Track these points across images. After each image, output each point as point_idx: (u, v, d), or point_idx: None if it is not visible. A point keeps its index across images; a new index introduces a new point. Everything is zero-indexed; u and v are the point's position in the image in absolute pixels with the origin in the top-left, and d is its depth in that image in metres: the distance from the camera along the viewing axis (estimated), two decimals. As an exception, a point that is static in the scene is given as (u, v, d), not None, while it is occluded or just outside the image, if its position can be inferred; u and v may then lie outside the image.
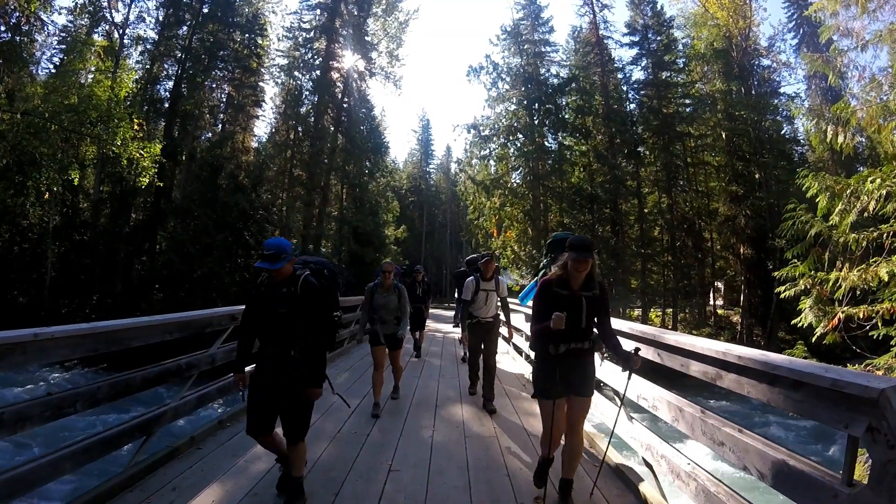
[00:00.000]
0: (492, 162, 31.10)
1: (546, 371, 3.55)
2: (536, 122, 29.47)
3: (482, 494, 3.88)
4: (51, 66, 27.74)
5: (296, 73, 32.23)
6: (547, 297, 3.46)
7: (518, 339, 10.47)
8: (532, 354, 4.65)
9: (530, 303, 4.30)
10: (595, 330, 3.63)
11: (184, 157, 28.20)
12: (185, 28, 29.28)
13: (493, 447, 4.99)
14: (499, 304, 6.89)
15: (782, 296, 8.35)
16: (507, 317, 7.12)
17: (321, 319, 3.49)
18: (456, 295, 10.79)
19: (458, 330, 10.15)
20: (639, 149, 31.53)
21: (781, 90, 31.88)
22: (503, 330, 7.46)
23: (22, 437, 9.00)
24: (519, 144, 29.61)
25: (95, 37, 26.32)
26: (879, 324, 6.91)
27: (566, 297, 3.42)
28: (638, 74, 33.30)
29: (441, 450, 4.86)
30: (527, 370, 9.10)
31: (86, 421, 10.38)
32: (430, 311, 13.10)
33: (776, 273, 8.82)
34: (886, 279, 6.73)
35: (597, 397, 5.55)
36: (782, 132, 30.87)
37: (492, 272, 6.75)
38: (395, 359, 6.66)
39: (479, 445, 5.04)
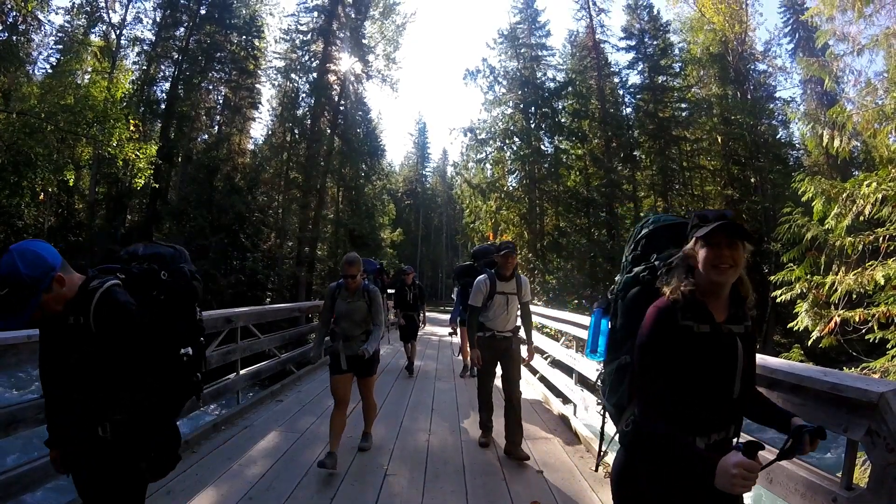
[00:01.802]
0: (488, 165, 31.09)
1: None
2: (533, 125, 29.48)
3: (478, 499, 3.86)
4: (47, 66, 27.59)
5: (293, 76, 32.17)
6: (673, 343, 1.65)
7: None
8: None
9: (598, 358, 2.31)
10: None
11: (180, 159, 28.14)
12: (182, 29, 29.25)
13: (490, 451, 4.97)
14: (518, 312, 5.07)
15: (778, 299, 8.36)
16: (529, 332, 5.22)
17: (138, 367, 1.94)
18: (455, 297, 9.91)
19: (457, 336, 9.59)
20: (635, 153, 31.59)
21: (777, 94, 32.03)
22: (523, 350, 5.34)
23: (14, 439, 8.94)
24: (515, 148, 29.59)
25: (92, 37, 26.26)
26: (875, 327, 6.92)
27: (710, 339, 1.68)
28: (634, 78, 33.41)
29: (437, 454, 4.85)
30: (541, 393, 8.39)
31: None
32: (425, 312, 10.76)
33: (772, 277, 8.82)
34: (882, 283, 6.74)
35: (592, 400, 5.55)
36: (778, 136, 30.96)
37: (513, 269, 4.89)
38: (367, 391, 4.67)
39: (476, 449, 5.03)
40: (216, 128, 32.16)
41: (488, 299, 4.85)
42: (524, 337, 5.27)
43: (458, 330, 9.11)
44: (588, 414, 5.69)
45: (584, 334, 5.97)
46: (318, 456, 4.40)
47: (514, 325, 5.01)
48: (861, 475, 3.36)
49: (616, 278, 2.21)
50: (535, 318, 11.25)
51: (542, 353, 8.97)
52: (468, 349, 8.62)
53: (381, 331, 4.54)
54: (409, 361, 9.39)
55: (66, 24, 28.35)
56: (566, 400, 6.72)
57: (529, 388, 8.26)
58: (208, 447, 4.70)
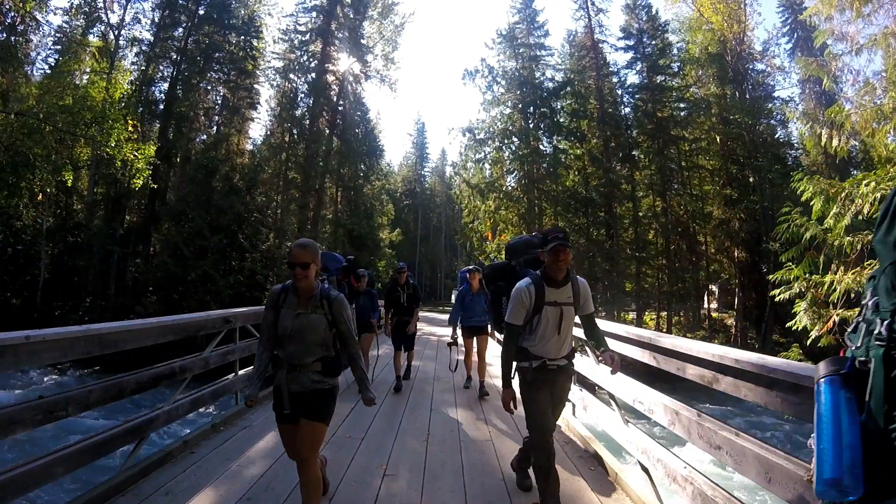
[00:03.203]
0: (487, 165, 31.16)
1: None
2: (531, 125, 29.54)
3: (477, 499, 3.86)
4: (46, 67, 27.65)
5: (291, 76, 32.23)
6: None
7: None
8: None
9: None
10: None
11: (178, 159, 28.14)
12: (180, 30, 29.24)
13: (489, 451, 4.97)
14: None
15: (777, 299, 8.38)
16: (603, 339, 3.54)
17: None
18: (455, 299, 8.88)
19: (457, 347, 8.00)
20: (633, 152, 31.64)
21: (776, 94, 32.11)
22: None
23: (13, 440, 8.95)
24: (514, 148, 29.66)
25: (91, 38, 26.31)
26: (874, 327, 6.91)
27: None
28: (633, 78, 33.51)
29: (436, 454, 4.84)
30: None
31: (78, 424, 10.30)
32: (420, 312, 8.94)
33: (771, 276, 8.84)
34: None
35: (591, 399, 5.56)
36: (776, 136, 31.04)
37: (566, 269, 3.36)
38: (307, 447, 3.05)
39: (475, 449, 5.02)
40: (215, 128, 32.16)
41: (533, 313, 3.32)
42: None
43: (460, 336, 7.91)
44: (587, 413, 5.68)
45: (583, 334, 5.91)
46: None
47: (569, 350, 3.49)
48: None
49: (857, 321, 1.53)
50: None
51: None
52: (472, 360, 8.17)
53: (361, 363, 3.11)
54: (400, 380, 7.91)
55: (65, 25, 28.41)
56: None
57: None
58: (207, 447, 4.69)
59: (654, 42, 32.31)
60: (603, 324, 4.87)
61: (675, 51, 32.80)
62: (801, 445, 12.87)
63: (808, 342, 7.91)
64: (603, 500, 3.88)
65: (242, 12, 31.91)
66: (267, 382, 3.19)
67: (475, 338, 7.99)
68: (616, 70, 33.98)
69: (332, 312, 3.05)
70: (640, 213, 31.19)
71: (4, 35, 17.71)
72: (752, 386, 2.54)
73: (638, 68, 32.78)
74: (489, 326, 7.74)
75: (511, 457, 4.84)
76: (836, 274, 7.44)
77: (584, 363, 5.73)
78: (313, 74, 31.27)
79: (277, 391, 3.09)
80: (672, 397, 3.58)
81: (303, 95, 32.32)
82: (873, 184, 7.04)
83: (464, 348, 8.23)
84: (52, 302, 23.91)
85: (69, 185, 20.19)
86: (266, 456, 4.55)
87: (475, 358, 8.06)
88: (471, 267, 8.19)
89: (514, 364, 3.46)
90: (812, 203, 7.73)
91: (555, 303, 3.35)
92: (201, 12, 29.45)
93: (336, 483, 3.99)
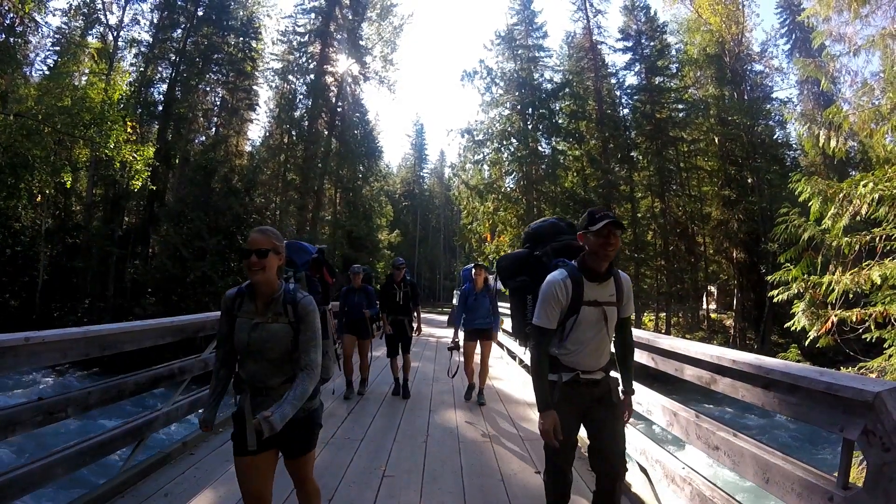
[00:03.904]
0: (485, 167, 31.15)
1: None
2: (530, 126, 29.55)
3: (476, 500, 3.86)
4: (45, 68, 27.73)
5: (290, 77, 32.27)
6: None
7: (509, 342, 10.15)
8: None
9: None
10: None
11: (177, 161, 28.14)
12: (179, 31, 29.27)
13: (487, 452, 4.97)
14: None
15: (775, 299, 8.37)
16: (631, 370, 2.97)
17: None
18: (456, 300, 8.57)
19: (459, 346, 7.27)
20: (632, 153, 31.67)
21: (774, 95, 32.16)
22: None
23: (13, 441, 8.95)
24: (512, 149, 29.67)
25: (90, 39, 26.34)
26: (872, 327, 6.94)
27: None
28: (631, 79, 33.56)
29: (435, 455, 4.84)
30: (521, 378, 8.44)
31: (78, 426, 10.30)
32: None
33: (769, 277, 8.84)
34: (879, 282, 6.76)
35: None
36: (775, 137, 31.08)
37: (609, 260, 2.66)
38: (302, 475, 2.92)
39: (474, 451, 5.02)
40: (213, 129, 32.19)
41: (569, 315, 2.67)
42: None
43: (461, 342, 7.27)
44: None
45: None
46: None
47: (608, 359, 2.85)
48: (857, 474, 3.38)
49: None
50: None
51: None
52: (473, 367, 7.21)
53: (313, 381, 2.38)
54: (399, 383, 7.48)
55: (64, 26, 28.46)
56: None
57: (526, 389, 8.25)
58: (206, 449, 4.68)
59: (652, 43, 32.36)
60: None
61: (673, 52, 32.86)
62: (799, 445, 12.90)
63: (807, 343, 7.90)
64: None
65: (241, 14, 31.95)
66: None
67: (478, 342, 7.17)
68: (615, 71, 34.07)
69: (298, 319, 2.37)
70: (639, 214, 31.19)
71: (3, 36, 17.71)
72: (749, 387, 2.55)
73: (636, 69, 32.86)
74: (494, 328, 7.31)
75: (510, 458, 4.85)
76: (834, 274, 7.45)
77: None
78: (312, 76, 31.30)
79: (238, 419, 2.41)
80: (670, 398, 3.59)
81: (301, 97, 32.38)
82: (871, 184, 7.04)
83: (465, 353, 7.30)
84: (50, 303, 23.91)
85: (68, 186, 20.22)
86: None
87: (477, 361, 7.30)
88: (474, 264, 7.39)
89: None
90: (810, 204, 7.73)
91: (595, 302, 2.66)
92: (200, 13, 29.50)
93: (335, 484, 4.00)
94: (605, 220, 2.52)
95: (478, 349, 7.28)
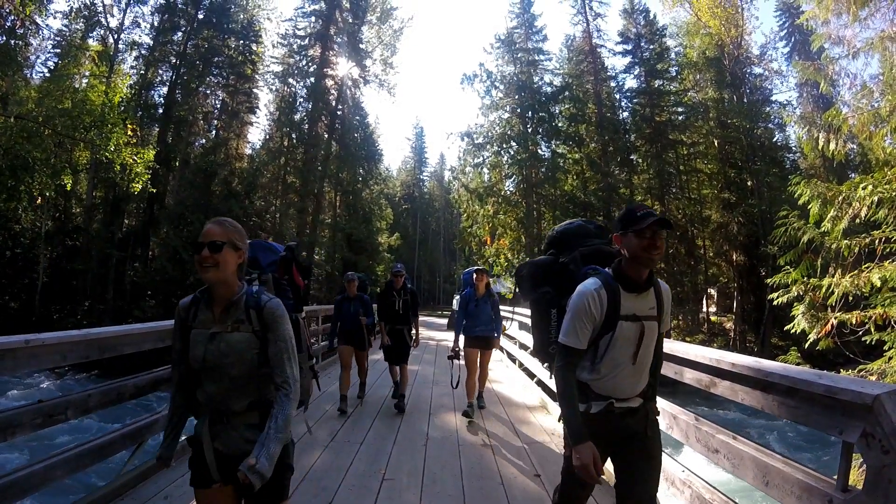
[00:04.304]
0: (485, 170, 31.15)
1: None
2: (530, 130, 29.57)
3: (476, 503, 3.86)
4: (45, 70, 27.81)
5: (290, 80, 32.31)
6: None
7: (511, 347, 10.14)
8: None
9: None
10: None
11: (177, 163, 28.16)
12: (179, 34, 29.34)
13: (487, 456, 4.97)
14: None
15: (775, 302, 8.37)
16: (655, 378, 2.48)
17: None
18: (456, 306, 8.10)
19: (459, 355, 6.73)
20: (632, 156, 31.72)
21: (773, 98, 32.23)
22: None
23: (13, 444, 8.93)
24: (512, 152, 29.67)
25: (90, 41, 26.43)
26: (872, 329, 6.93)
27: None
28: (631, 83, 33.63)
29: (435, 458, 4.84)
30: (538, 397, 8.15)
31: (77, 427, 10.27)
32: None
33: (769, 279, 8.84)
34: (879, 285, 6.76)
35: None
36: (774, 140, 31.14)
37: (653, 267, 2.29)
38: None
39: (473, 454, 5.02)
40: (214, 132, 32.23)
41: (603, 332, 2.25)
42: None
43: (462, 348, 6.75)
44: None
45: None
46: (314, 463, 4.39)
47: (647, 382, 2.38)
48: (857, 477, 3.37)
49: None
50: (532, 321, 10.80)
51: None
52: (475, 384, 6.63)
53: (294, 401, 1.98)
54: (398, 394, 6.89)
55: (64, 29, 28.52)
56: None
57: (526, 392, 8.26)
58: (206, 452, 4.68)
59: (651, 46, 32.43)
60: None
61: (672, 55, 32.92)
62: (799, 448, 12.88)
63: (807, 345, 7.90)
64: (601, 502, 3.87)
65: (242, 17, 32.02)
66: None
67: (480, 350, 6.68)
68: (614, 74, 34.15)
69: (263, 327, 1.98)
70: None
71: (4, 38, 17.71)
72: (748, 389, 2.55)
73: (636, 73, 32.93)
74: (496, 335, 6.81)
75: (510, 461, 4.84)
76: (833, 277, 7.45)
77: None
78: (312, 79, 31.33)
79: (195, 442, 2.05)
80: (670, 401, 3.59)
81: (302, 100, 32.43)
82: (871, 187, 7.05)
83: (466, 363, 6.69)
84: (50, 305, 23.89)
85: (68, 188, 20.19)
86: (265, 460, 4.54)
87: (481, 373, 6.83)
88: (476, 268, 6.96)
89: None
90: (810, 206, 7.73)
91: (633, 316, 2.23)
92: (201, 16, 29.57)
93: (335, 487, 3.99)
94: (648, 219, 2.11)
95: (479, 360, 6.77)
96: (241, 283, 2.05)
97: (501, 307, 7.17)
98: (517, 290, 3.11)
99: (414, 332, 7.20)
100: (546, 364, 2.92)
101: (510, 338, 10.35)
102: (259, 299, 2.02)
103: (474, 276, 6.73)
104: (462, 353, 6.72)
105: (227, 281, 1.98)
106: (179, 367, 2.08)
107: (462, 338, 6.74)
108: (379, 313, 7.22)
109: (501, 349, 11.11)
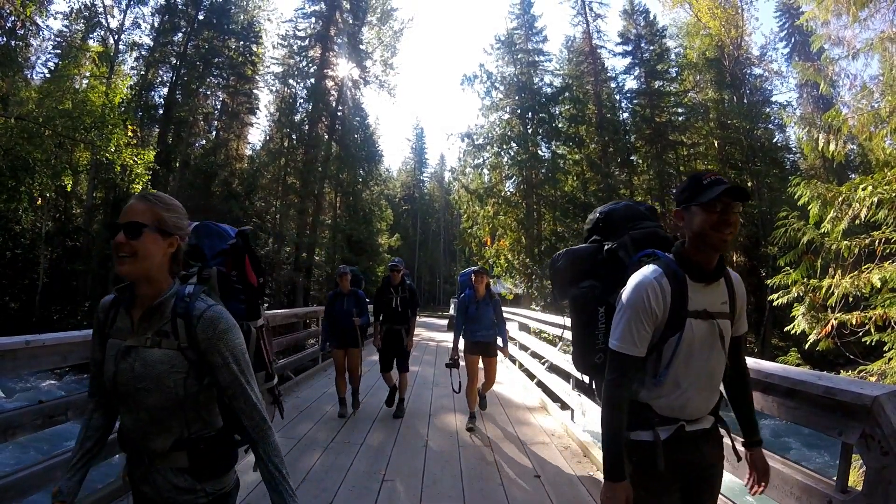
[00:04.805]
0: (485, 170, 31.10)
1: None
2: (530, 130, 29.53)
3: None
4: (45, 71, 27.73)
5: (290, 81, 32.29)
6: None
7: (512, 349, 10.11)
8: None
9: None
10: None
11: (177, 164, 28.16)
12: (180, 35, 29.32)
13: (487, 457, 4.97)
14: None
15: (775, 303, 8.37)
16: (749, 415, 2.01)
17: None
18: (453, 309, 7.68)
19: (458, 363, 6.23)
20: (632, 157, 31.71)
21: (773, 99, 32.23)
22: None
23: (13, 444, 8.92)
24: (512, 153, 29.63)
25: (91, 42, 26.41)
26: (872, 330, 6.94)
27: None
28: (631, 83, 33.59)
29: (435, 459, 4.84)
30: (538, 398, 8.16)
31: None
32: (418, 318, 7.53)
33: (769, 280, 8.84)
34: (879, 285, 6.76)
35: (590, 405, 5.56)
36: (774, 140, 31.13)
37: (724, 250, 1.79)
38: None
39: (473, 455, 5.02)
40: (214, 133, 32.24)
41: (668, 333, 1.79)
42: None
43: (461, 355, 6.24)
44: (585, 419, 5.68)
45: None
46: (314, 464, 4.39)
47: (718, 396, 1.94)
48: (857, 478, 3.37)
49: None
50: (532, 324, 10.15)
51: (539, 357, 8.94)
52: (476, 394, 6.23)
53: (272, 430, 1.56)
54: (393, 399, 6.53)
55: (65, 29, 28.52)
56: (564, 405, 6.71)
57: (527, 393, 8.26)
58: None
59: (652, 47, 32.43)
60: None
61: (672, 56, 32.91)
62: (798, 449, 12.87)
63: (807, 346, 7.90)
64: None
65: (242, 17, 32.04)
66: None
67: (481, 357, 6.21)
68: (614, 75, 34.12)
69: (193, 343, 1.47)
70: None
71: (4, 39, 17.73)
72: (748, 390, 2.55)
73: (636, 73, 32.91)
74: (500, 341, 6.31)
75: (510, 462, 4.84)
76: (833, 278, 7.45)
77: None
78: (312, 80, 31.32)
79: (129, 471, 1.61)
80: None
81: (302, 101, 32.40)
82: (870, 188, 7.05)
83: (467, 371, 6.23)
84: (50, 306, 23.87)
85: (68, 189, 20.20)
86: (265, 461, 4.54)
87: (482, 380, 6.37)
88: (475, 268, 6.36)
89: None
90: (809, 207, 7.74)
91: (705, 312, 1.79)
92: (201, 17, 29.57)
93: (335, 489, 4.00)
94: (718, 188, 1.69)
95: (482, 368, 6.30)
96: (174, 281, 1.55)
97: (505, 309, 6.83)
98: (550, 286, 2.48)
99: (411, 333, 6.62)
100: (591, 380, 2.33)
101: (511, 339, 10.34)
102: (191, 305, 1.49)
103: (473, 277, 6.16)
104: (462, 361, 6.21)
105: (151, 277, 1.50)
106: (96, 382, 1.63)
107: (462, 344, 6.22)
108: (375, 312, 6.66)
109: (513, 359, 10.27)
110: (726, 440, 1.96)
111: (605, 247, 2.19)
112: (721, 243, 1.71)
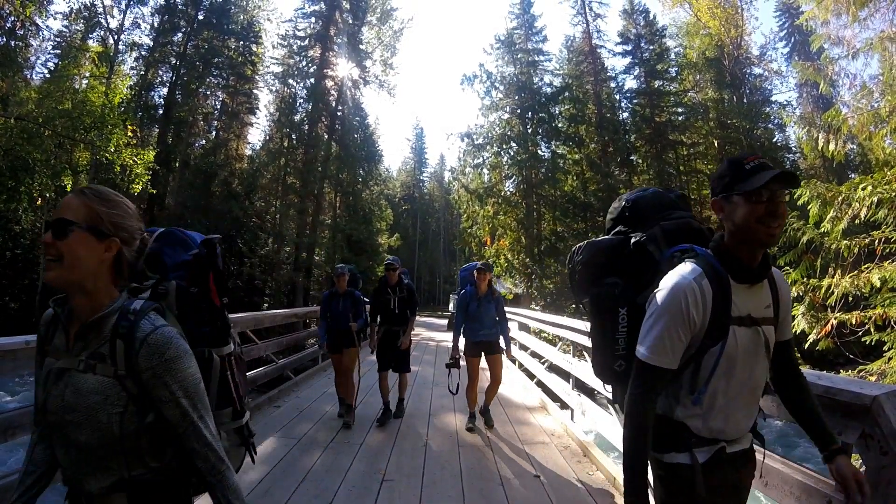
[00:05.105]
0: (485, 170, 31.11)
1: None
2: (530, 130, 29.54)
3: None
4: (45, 71, 27.75)
5: (290, 81, 32.27)
6: None
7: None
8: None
9: None
10: None
11: (177, 164, 28.16)
12: (179, 35, 29.33)
13: (487, 456, 4.97)
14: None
15: (775, 303, 8.35)
16: (819, 423, 1.71)
17: None
18: (453, 308, 7.61)
19: (459, 363, 6.05)
20: (631, 157, 31.71)
21: (773, 98, 32.27)
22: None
23: (13, 444, 8.90)
24: (512, 153, 29.64)
25: (90, 42, 26.39)
26: (872, 329, 6.94)
27: None
28: (631, 83, 33.61)
29: (435, 459, 4.84)
30: (538, 398, 8.23)
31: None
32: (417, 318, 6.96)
33: (769, 280, 8.84)
34: (878, 285, 6.76)
35: (589, 405, 5.56)
36: (774, 140, 31.12)
37: (772, 245, 1.59)
38: None
39: (473, 454, 5.02)
40: (214, 133, 32.23)
41: (708, 342, 1.56)
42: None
43: (462, 355, 6.04)
44: (585, 419, 5.68)
45: (581, 339, 5.92)
46: (314, 464, 4.39)
47: (753, 418, 1.74)
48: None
49: None
50: (532, 323, 10.14)
51: (539, 357, 8.94)
52: (477, 393, 6.04)
53: (231, 472, 1.33)
54: (387, 407, 6.15)
55: (64, 30, 28.51)
56: (564, 405, 6.71)
57: (526, 393, 8.25)
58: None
59: (651, 47, 32.44)
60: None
61: (672, 55, 32.92)
62: (797, 449, 12.87)
63: (807, 346, 7.90)
64: (600, 503, 3.88)
65: (242, 17, 32.03)
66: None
67: (483, 356, 5.94)
68: (614, 75, 34.14)
69: (133, 372, 1.24)
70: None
71: (4, 39, 17.75)
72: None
73: (636, 73, 32.92)
74: (503, 341, 6.05)
75: (509, 461, 4.84)
76: (833, 277, 7.45)
77: (583, 368, 5.73)
78: (312, 80, 31.30)
79: None
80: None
81: (302, 101, 32.37)
82: (870, 187, 7.05)
83: (468, 372, 5.98)
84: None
85: (68, 189, 20.15)
86: (264, 462, 4.55)
87: (484, 383, 6.16)
88: (478, 264, 6.03)
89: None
90: (809, 207, 7.73)
91: (749, 318, 1.59)
92: (201, 17, 29.57)
93: (335, 488, 4.00)
94: (765, 174, 1.46)
95: (484, 367, 6.03)
96: (120, 294, 1.32)
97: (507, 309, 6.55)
98: (569, 283, 2.10)
99: (408, 332, 6.24)
100: (612, 388, 2.06)
101: (511, 339, 10.32)
102: (135, 326, 1.24)
103: (475, 273, 5.88)
104: (462, 361, 6.00)
105: (84, 287, 1.26)
106: (40, 420, 1.37)
107: (462, 343, 5.98)
108: (372, 313, 6.30)
109: (513, 359, 9.96)
110: (759, 456, 1.79)
111: (633, 239, 1.90)
112: (769, 238, 1.50)
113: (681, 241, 1.75)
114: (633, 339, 1.66)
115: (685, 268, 1.58)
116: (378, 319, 6.26)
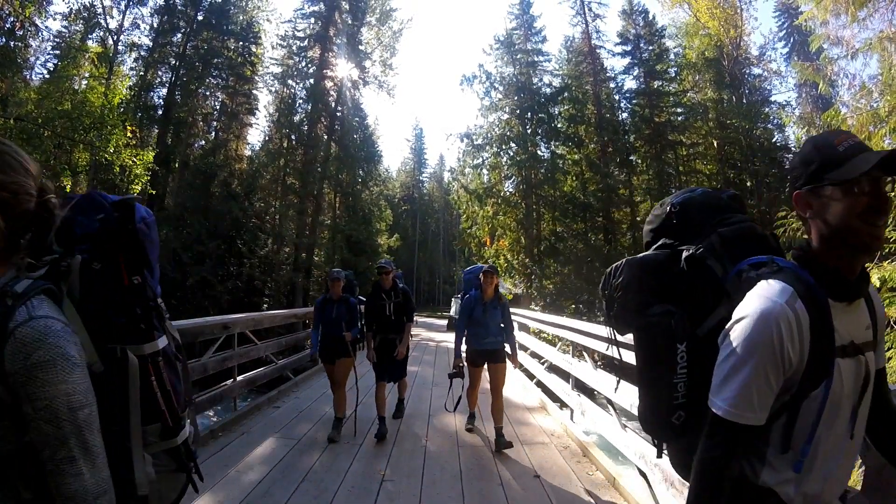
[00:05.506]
0: (485, 171, 31.10)
1: None
2: (529, 131, 29.54)
3: None
4: (45, 72, 27.63)
5: (290, 82, 32.28)
6: None
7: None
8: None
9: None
10: None
11: (177, 165, 28.11)
12: (179, 35, 29.27)
13: (487, 457, 4.97)
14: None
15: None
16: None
17: None
18: (455, 311, 7.20)
19: (462, 373, 5.50)
20: (631, 157, 31.68)
21: (772, 98, 32.17)
22: None
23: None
24: (512, 153, 29.64)
25: (90, 43, 26.33)
26: (872, 330, 6.93)
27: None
28: (630, 83, 33.51)
29: (434, 459, 4.84)
30: (538, 398, 8.21)
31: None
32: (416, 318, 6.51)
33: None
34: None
35: (589, 405, 5.56)
36: (773, 140, 31.09)
37: (879, 247, 1.23)
38: None
39: (473, 455, 5.02)
40: (213, 134, 32.18)
41: (807, 386, 1.16)
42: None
43: (465, 364, 5.59)
44: (584, 419, 5.68)
45: (581, 339, 5.94)
46: (314, 464, 4.39)
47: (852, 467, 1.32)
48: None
49: None
50: (531, 324, 10.11)
51: (538, 357, 8.92)
52: (476, 396, 5.84)
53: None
54: (383, 421, 5.53)
55: (64, 30, 28.42)
56: (563, 405, 6.71)
57: (526, 393, 8.25)
58: (205, 453, 4.68)
59: (651, 47, 32.40)
60: (594, 326, 5.02)
61: (672, 56, 32.85)
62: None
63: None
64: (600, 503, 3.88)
65: (241, 18, 31.98)
66: None
67: (487, 365, 5.51)
68: (613, 75, 34.06)
69: (2, 375, 0.93)
70: (639, 218, 31.12)
71: (3, 40, 17.73)
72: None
73: (635, 73, 32.85)
74: (508, 347, 5.53)
75: (509, 462, 4.84)
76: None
77: (583, 368, 5.72)
78: (311, 80, 31.29)
79: None
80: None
81: (301, 101, 32.37)
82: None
83: (470, 381, 5.64)
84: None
85: (68, 190, 20.15)
86: (264, 462, 4.55)
87: (486, 386, 5.78)
88: (485, 266, 5.63)
89: None
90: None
91: (852, 345, 1.21)
92: (200, 18, 29.52)
93: (335, 488, 4.00)
94: (867, 155, 1.14)
95: (486, 376, 5.62)
96: (8, 271, 1.04)
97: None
98: (606, 313, 1.61)
99: (404, 340, 5.84)
100: (666, 445, 1.55)
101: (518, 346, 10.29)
102: (11, 312, 0.95)
103: (482, 277, 5.46)
104: (465, 369, 5.57)
105: None
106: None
107: (465, 351, 5.59)
108: (367, 319, 5.89)
109: (520, 366, 9.13)
110: None
111: (685, 253, 1.44)
112: (874, 241, 1.16)
113: (745, 253, 1.36)
114: (694, 383, 1.32)
115: (771, 288, 1.18)
116: (373, 328, 5.82)
